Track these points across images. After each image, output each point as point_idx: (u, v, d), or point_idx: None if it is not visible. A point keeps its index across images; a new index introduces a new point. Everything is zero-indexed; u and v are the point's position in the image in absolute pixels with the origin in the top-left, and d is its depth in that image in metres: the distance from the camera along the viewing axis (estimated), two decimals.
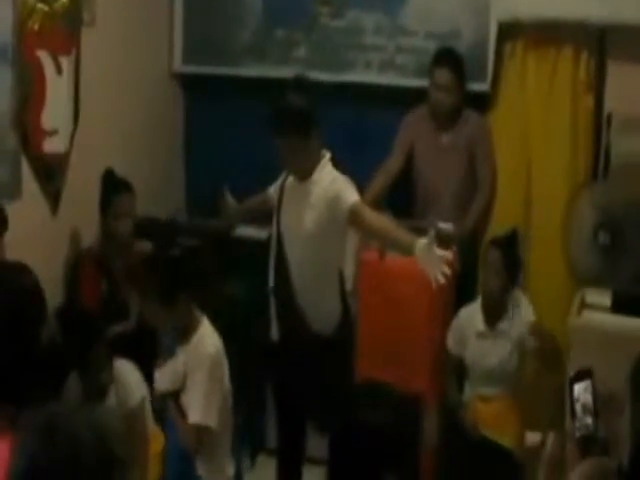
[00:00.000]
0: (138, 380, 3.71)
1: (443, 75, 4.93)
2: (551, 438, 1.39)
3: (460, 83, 4.96)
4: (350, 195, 3.86)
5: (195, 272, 3.59)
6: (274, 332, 4.16)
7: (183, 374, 3.48)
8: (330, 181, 3.93)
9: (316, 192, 3.93)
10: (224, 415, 3.50)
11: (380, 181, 5.05)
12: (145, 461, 3.61)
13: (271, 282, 4.13)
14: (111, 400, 3.63)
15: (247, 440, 4.80)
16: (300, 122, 3.83)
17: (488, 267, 4.46)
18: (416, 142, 5.08)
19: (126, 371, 3.71)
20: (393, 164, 5.10)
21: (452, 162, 4.99)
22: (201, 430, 3.43)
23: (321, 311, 4.03)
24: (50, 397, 2.66)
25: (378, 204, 4.90)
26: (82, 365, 3.56)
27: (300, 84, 4.02)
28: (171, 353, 3.54)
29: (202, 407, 3.40)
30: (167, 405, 3.53)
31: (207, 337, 3.52)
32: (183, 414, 3.44)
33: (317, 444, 4.25)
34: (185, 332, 3.52)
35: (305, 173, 3.96)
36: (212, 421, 3.43)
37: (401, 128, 5.13)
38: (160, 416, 3.65)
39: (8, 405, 2.33)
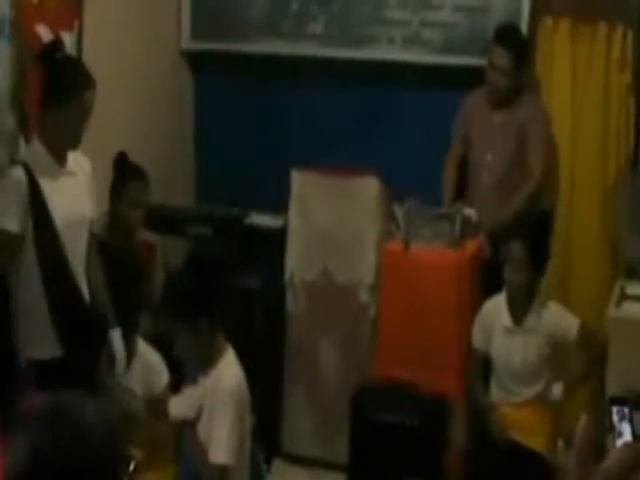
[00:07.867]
0: (160, 362, 3.79)
1: (500, 55, 4.69)
2: (583, 421, 1.26)
3: (519, 65, 4.72)
4: None
5: (219, 297, 3.41)
6: None
7: (200, 404, 3.37)
8: None
9: None
10: (241, 452, 3.42)
11: (452, 173, 4.92)
12: (168, 446, 3.65)
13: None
14: (132, 375, 3.73)
15: (263, 444, 4.62)
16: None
17: (511, 262, 4.20)
18: (471, 122, 4.91)
19: (148, 352, 3.81)
20: (455, 152, 4.94)
21: (498, 142, 4.80)
22: (224, 470, 3.37)
23: None
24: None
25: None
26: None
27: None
28: (194, 380, 3.45)
29: (226, 447, 3.32)
30: (184, 434, 3.46)
31: (229, 369, 3.40)
32: (203, 448, 3.36)
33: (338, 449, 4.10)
34: (207, 361, 3.40)
35: None
36: (233, 459, 3.35)
37: (459, 111, 4.94)
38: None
39: None
